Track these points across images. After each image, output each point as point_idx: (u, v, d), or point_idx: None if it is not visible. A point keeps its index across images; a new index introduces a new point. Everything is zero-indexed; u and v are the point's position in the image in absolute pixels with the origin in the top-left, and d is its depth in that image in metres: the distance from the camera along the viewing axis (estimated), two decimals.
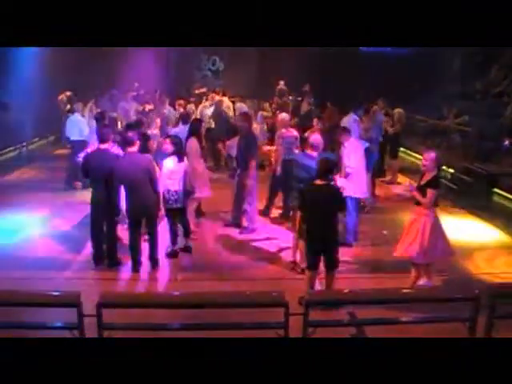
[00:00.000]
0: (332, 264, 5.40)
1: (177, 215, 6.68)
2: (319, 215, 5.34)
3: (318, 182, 5.35)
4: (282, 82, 16.39)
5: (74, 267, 6.38)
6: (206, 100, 13.19)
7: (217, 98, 12.66)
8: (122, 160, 6.26)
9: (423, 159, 5.64)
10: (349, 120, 9.13)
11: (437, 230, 5.52)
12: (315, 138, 6.45)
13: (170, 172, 6.47)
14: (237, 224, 7.78)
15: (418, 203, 5.56)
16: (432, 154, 5.62)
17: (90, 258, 6.45)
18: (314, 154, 6.18)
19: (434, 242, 5.47)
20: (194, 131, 7.57)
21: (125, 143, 6.32)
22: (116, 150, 6.78)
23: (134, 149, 6.19)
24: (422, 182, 5.56)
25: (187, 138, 7.41)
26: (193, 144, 7.32)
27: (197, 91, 15.82)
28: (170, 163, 6.50)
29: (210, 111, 12.12)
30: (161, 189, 6.41)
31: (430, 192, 5.42)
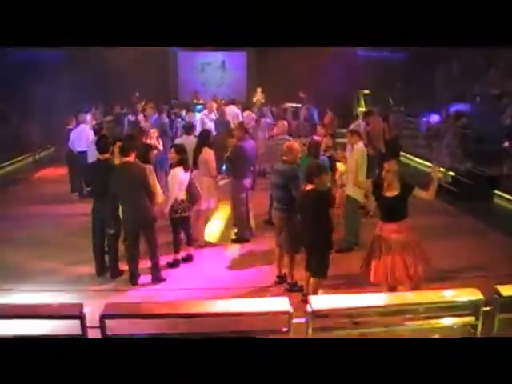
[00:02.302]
0: (314, 269, 5.30)
1: (181, 224, 6.64)
2: (306, 221, 5.38)
3: (307, 187, 5.36)
4: (259, 90, 16.29)
5: (76, 278, 6.31)
6: (205, 108, 13.18)
7: (215, 105, 12.64)
8: (117, 170, 6.12)
9: (385, 170, 5.09)
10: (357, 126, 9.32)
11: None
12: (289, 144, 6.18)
13: (179, 182, 6.43)
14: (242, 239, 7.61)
15: (394, 219, 5.08)
16: (393, 163, 5.11)
17: (92, 269, 6.39)
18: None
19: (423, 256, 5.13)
20: (207, 141, 7.40)
21: (121, 152, 6.12)
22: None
23: (130, 158, 6.05)
24: (391, 194, 5.06)
25: (199, 148, 7.26)
26: (210, 154, 7.17)
27: (195, 101, 15.81)
28: (179, 173, 6.44)
29: (209, 120, 12.03)
30: (171, 199, 6.39)
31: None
